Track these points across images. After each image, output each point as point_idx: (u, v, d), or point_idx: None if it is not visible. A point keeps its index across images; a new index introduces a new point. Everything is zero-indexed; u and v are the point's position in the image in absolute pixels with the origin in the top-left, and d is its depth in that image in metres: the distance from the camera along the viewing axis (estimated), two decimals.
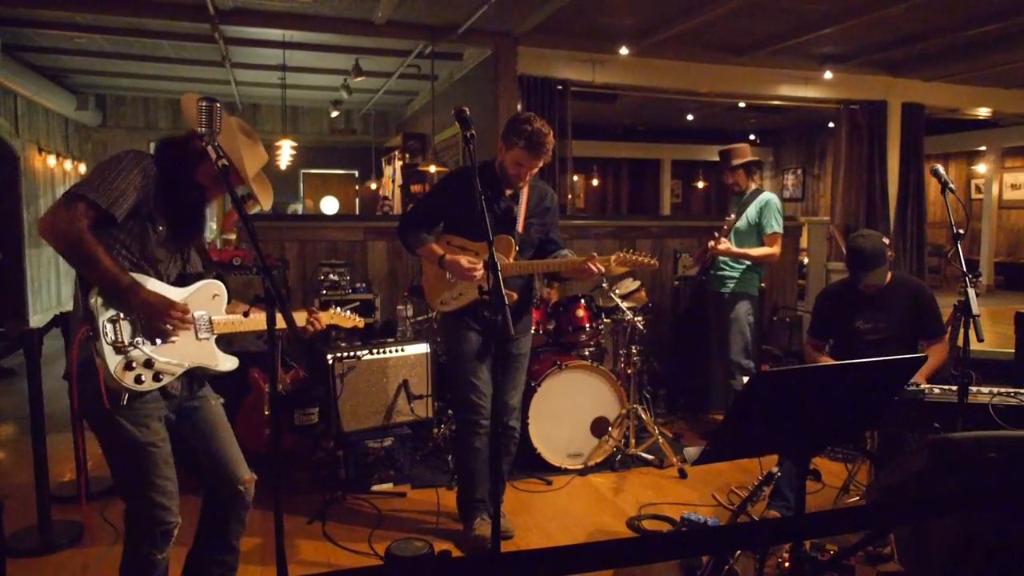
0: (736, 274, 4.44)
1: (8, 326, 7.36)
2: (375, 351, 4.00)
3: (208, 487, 2.33)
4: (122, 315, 2.03)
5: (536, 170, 3.18)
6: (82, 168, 10.37)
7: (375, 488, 3.94)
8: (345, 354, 3.90)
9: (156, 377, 2.07)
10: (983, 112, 9.40)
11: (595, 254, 3.11)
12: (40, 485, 3.24)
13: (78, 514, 3.51)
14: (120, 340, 2.02)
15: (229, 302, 2.32)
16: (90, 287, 2.03)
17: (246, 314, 2.32)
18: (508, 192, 3.24)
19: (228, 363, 2.29)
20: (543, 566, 1.20)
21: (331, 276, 4.84)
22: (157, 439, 2.11)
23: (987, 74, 8.23)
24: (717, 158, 4.77)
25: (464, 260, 3.11)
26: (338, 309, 2.64)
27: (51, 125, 9.42)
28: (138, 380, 2.04)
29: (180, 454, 2.26)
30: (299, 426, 4.23)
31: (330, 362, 3.87)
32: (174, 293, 2.15)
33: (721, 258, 4.45)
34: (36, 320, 8.36)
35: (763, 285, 4.59)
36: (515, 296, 3.19)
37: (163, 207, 2.14)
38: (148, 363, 2.05)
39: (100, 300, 2.02)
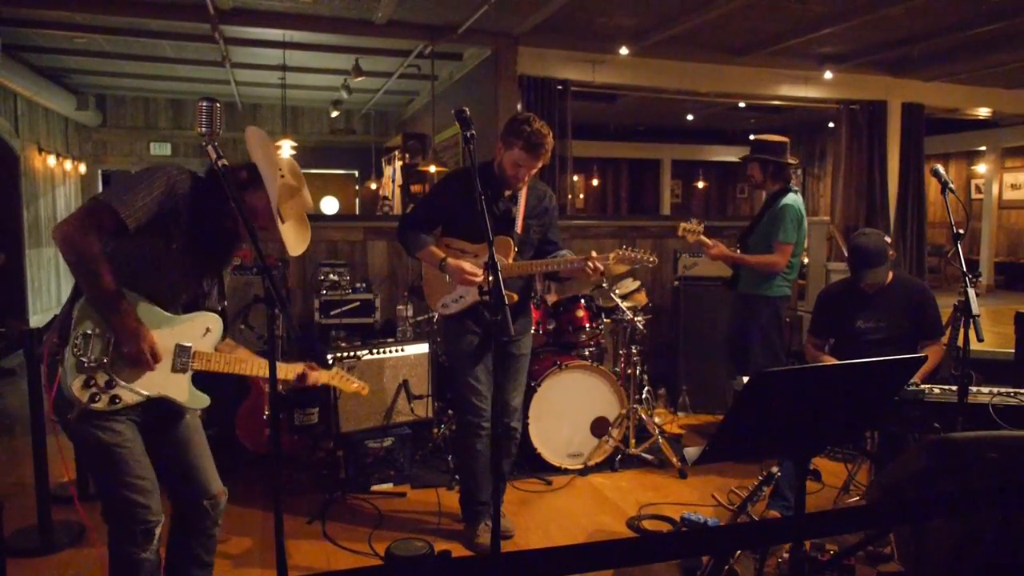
0: (756, 275, 4.17)
1: (8, 326, 7.36)
2: (375, 351, 4.00)
3: (176, 499, 2.29)
4: (98, 331, 2.02)
5: (535, 171, 3.18)
6: (82, 168, 10.37)
7: (375, 488, 3.95)
8: (345, 354, 3.90)
9: (112, 400, 2.04)
10: (983, 112, 9.40)
11: (594, 252, 3.11)
12: (40, 485, 3.24)
13: (78, 514, 3.51)
14: (86, 355, 2.00)
15: (223, 339, 2.28)
16: (78, 297, 2.04)
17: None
18: (507, 193, 3.24)
19: (198, 401, 2.22)
20: (543, 566, 1.20)
21: (331, 276, 4.84)
22: (123, 439, 2.08)
23: (987, 74, 8.22)
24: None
25: (466, 265, 3.10)
26: (342, 371, 2.52)
27: (51, 125, 9.42)
28: (93, 399, 2.01)
29: (152, 462, 2.23)
30: (299, 426, 4.23)
31: (330, 362, 3.87)
32: (166, 319, 2.13)
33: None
34: (36, 320, 8.35)
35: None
36: (515, 297, 3.19)
37: (188, 228, 2.11)
38: (109, 384, 2.03)
39: (83, 311, 2.01)
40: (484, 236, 2.32)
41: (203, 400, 2.23)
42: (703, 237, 4.16)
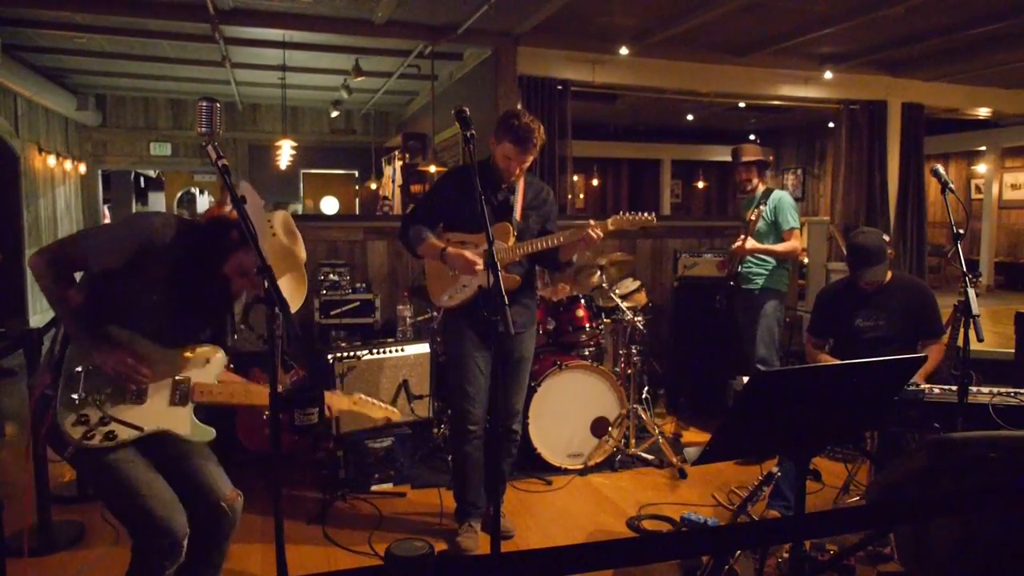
0: (764, 271, 4.44)
1: (8, 326, 7.36)
2: (375, 351, 4.00)
3: (191, 507, 2.25)
4: (89, 368, 2.02)
5: (527, 164, 3.20)
6: (82, 168, 10.37)
7: (375, 488, 3.95)
8: (345, 354, 3.90)
9: (108, 436, 2.03)
10: (983, 112, 9.40)
11: (592, 221, 3.13)
12: (40, 485, 3.24)
13: (78, 514, 3.51)
14: (78, 392, 2.00)
15: (229, 368, 2.26)
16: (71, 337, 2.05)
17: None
18: (504, 185, 3.27)
19: (202, 434, 2.19)
20: (543, 566, 1.20)
21: (331, 276, 4.84)
22: (127, 455, 2.08)
23: (987, 74, 8.23)
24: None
25: (467, 253, 3.12)
26: (364, 397, 2.43)
27: (51, 125, 9.42)
28: (87, 436, 2.01)
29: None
30: (299, 426, 4.22)
31: (330, 362, 3.87)
32: (162, 352, 2.12)
33: (749, 256, 4.45)
34: (36, 320, 8.35)
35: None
36: (518, 279, 3.20)
37: (171, 277, 2.10)
38: (103, 421, 2.02)
39: (75, 350, 2.03)
40: (484, 233, 2.33)
41: (208, 433, 2.20)
42: (743, 233, 4.38)
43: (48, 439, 2.04)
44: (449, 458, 4.16)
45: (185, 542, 2.12)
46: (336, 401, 2.32)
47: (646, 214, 3.24)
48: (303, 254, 2.27)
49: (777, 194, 4.44)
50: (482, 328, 3.26)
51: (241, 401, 2.21)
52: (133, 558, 2.14)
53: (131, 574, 2.14)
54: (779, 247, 4.39)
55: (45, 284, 2.02)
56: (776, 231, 4.41)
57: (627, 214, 3.23)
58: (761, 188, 4.52)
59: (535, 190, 3.37)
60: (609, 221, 3.19)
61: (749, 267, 4.47)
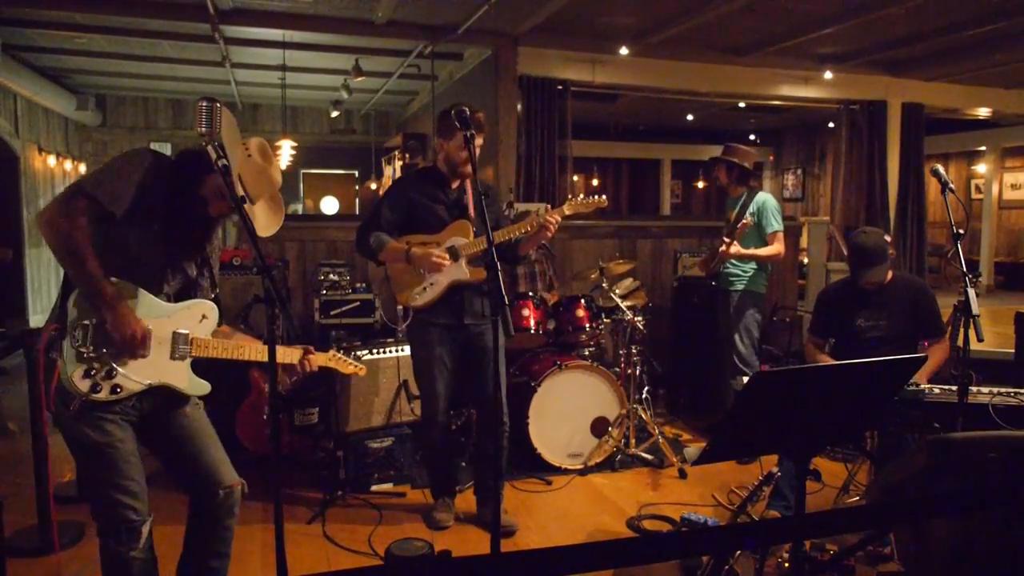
0: (745, 273, 4.49)
1: (8, 326, 7.36)
2: (375, 351, 4.00)
3: (190, 493, 2.29)
4: (95, 322, 2.02)
5: (478, 150, 3.25)
6: (82, 168, 10.36)
7: (375, 488, 3.95)
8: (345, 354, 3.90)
9: (114, 389, 2.04)
10: (983, 112, 9.40)
11: (548, 205, 3.23)
12: (40, 485, 3.24)
13: (78, 514, 3.51)
14: (85, 346, 2.00)
15: (219, 325, 2.28)
16: (71, 290, 2.03)
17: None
18: (454, 185, 3.41)
19: (199, 388, 2.22)
20: (543, 566, 1.20)
21: (331, 276, 4.84)
22: (114, 440, 2.08)
23: (987, 74, 8.23)
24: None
25: (434, 252, 3.22)
26: (339, 353, 2.52)
27: (51, 125, 9.42)
28: (94, 389, 2.01)
29: (159, 459, 2.24)
30: (299, 426, 4.22)
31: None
32: (163, 308, 2.13)
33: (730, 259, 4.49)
34: (36, 320, 8.35)
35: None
36: (484, 274, 3.29)
37: (164, 211, 2.12)
38: (109, 374, 2.03)
39: (76, 303, 2.01)
40: (484, 230, 2.40)
41: (203, 387, 2.24)
42: (726, 238, 4.41)
43: (56, 394, 2.04)
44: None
45: (144, 528, 2.12)
46: (316, 358, 2.37)
47: (598, 197, 3.40)
48: (279, 177, 2.33)
49: (761, 197, 4.48)
50: (446, 325, 3.37)
51: (234, 356, 2.24)
52: (99, 541, 2.15)
53: (102, 560, 2.15)
54: (763, 251, 4.43)
55: (70, 244, 1.95)
56: (758, 234, 4.46)
57: (581, 198, 3.38)
58: (743, 192, 4.52)
59: (481, 187, 3.46)
60: (565, 207, 3.32)
61: (729, 269, 4.54)
